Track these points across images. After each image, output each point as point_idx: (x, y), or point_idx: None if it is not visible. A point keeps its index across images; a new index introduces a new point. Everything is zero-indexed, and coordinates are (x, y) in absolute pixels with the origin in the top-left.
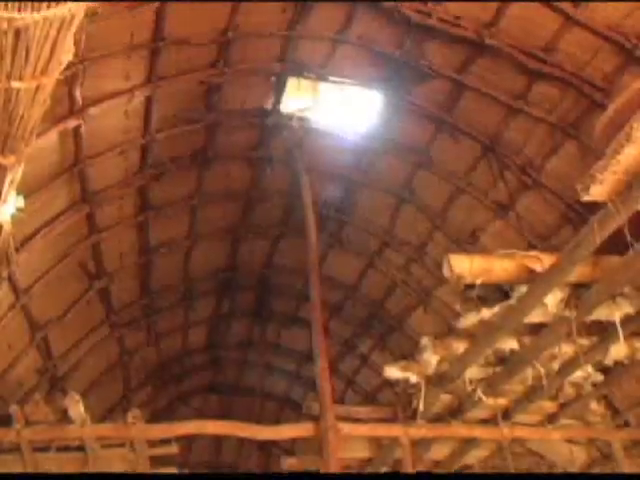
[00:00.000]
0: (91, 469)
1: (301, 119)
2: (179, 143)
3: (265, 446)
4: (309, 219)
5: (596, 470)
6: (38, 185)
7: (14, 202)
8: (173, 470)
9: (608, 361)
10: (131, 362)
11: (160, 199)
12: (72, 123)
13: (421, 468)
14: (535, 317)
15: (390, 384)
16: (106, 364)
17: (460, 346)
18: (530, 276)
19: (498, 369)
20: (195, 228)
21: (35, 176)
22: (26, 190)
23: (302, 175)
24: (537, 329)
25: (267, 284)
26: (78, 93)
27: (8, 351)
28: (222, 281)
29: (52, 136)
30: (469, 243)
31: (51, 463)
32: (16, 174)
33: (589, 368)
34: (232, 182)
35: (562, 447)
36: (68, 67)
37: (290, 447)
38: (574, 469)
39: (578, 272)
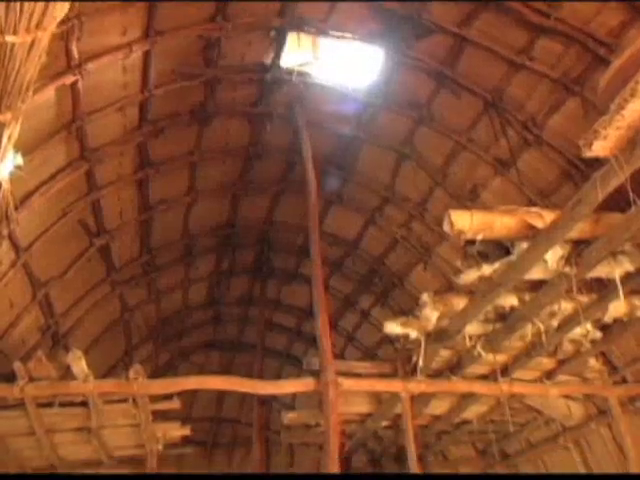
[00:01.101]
0: (94, 424)
1: (301, 74)
2: (178, 99)
3: (266, 401)
4: (309, 175)
5: (592, 426)
6: (36, 143)
7: (12, 160)
8: (176, 425)
9: (607, 318)
10: (132, 319)
11: (159, 156)
12: (69, 79)
13: (420, 423)
14: (535, 274)
15: (390, 340)
16: (107, 321)
17: (460, 302)
18: (531, 232)
19: (498, 325)
20: (195, 185)
21: (33, 133)
22: (24, 148)
23: (302, 131)
24: (537, 286)
25: (267, 241)
26: (75, 48)
27: (10, 309)
28: (222, 238)
29: (49, 92)
30: (469, 199)
31: (55, 418)
32: (13, 131)
33: (588, 325)
34: (232, 138)
35: (560, 403)
36: (64, 22)
37: (291, 402)
38: (571, 424)
39: (579, 229)
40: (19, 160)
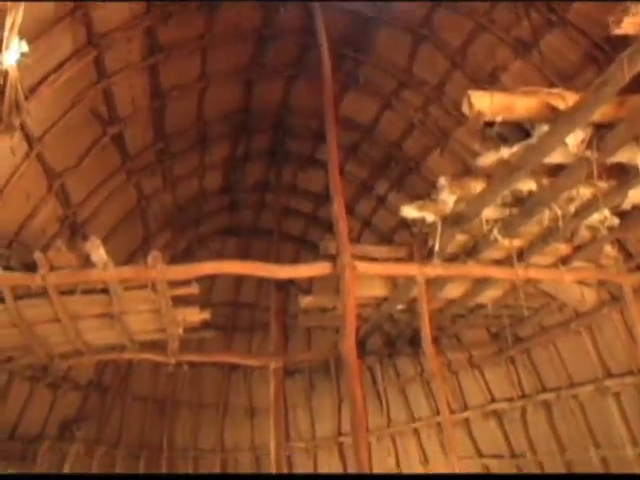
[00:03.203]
0: (116, 310)
1: None
2: None
3: (283, 286)
4: (324, 58)
5: (604, 312)
6: (41, 30)
7: (18, 47)
8: (195, 310)
9: (626, 205)
10: (149, 207)
11: (169, 41)
12: None
13: (435, 306)
14: (555, 157)
15: (406, 225)
16: (124, 210)
17: (477, 186)
18: (552, 114)
19: (515, 210)
20: (207, 70)
21: (37, 21)
22: (29, 35)
23: (317, 12)
24: (556, 170)
25: (282, 125)
26: None
27: (27, 200)
28: (237, 123)
29: None
30: (489, 83)
31: (77, 305)
32: (17, 17)
33: (606, 212)
34: (243, 21)
35: (573, 288)
36: None
37: (308, 287)
38: (584, 309)
39: (602, 111)
40: (24, 47)
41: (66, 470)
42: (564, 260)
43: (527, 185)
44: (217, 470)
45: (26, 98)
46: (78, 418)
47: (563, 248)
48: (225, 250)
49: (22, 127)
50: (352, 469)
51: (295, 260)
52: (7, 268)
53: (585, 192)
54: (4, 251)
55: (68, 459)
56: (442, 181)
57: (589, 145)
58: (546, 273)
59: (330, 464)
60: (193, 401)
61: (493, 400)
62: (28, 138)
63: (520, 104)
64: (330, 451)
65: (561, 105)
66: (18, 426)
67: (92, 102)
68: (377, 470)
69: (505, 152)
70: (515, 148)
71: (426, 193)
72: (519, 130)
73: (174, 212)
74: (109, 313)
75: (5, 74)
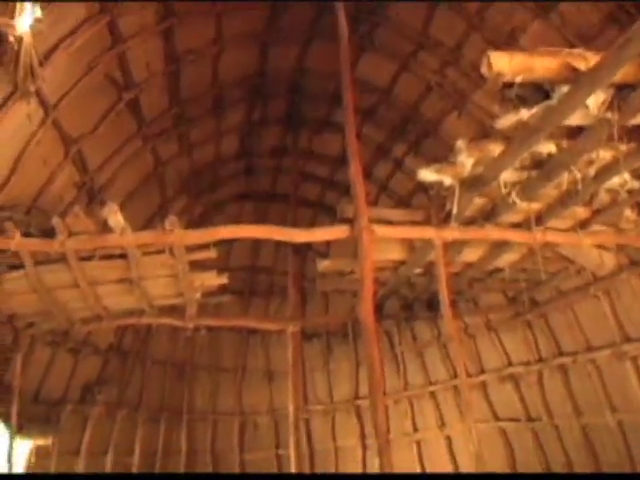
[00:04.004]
0: (134, 275)
1: None
2: None
3: (301, 250)
4: (340, 20)
5: (623, 276)
6: None
7: (31, 12)
8: (212, 274)
9: None
10: (165, 173)
11: (183, 5)
12: None
13: (453, 270)
14: (575, 119)
15: (424, 188)
16: (141, 176)
17: (496, 149)
18: (573, 75)
19: (534, 173)
20: (222, 34)
21: None
22: (42, 1)
23: None
24: (576, 132)
25: (298, 89)
26: None
27: (45, 167)
28: (252, 88)
29: None
30: (507, 45)
31: (96, 271)
32: None
33: (626, 175)
34: None
35: (592, 252)
36: None
37: (325, 251)
38: (602, 273)
39: (624, 72)
40: (38, 12)
41: (88, 432)
42: (583, 224)
43: (546, 147)
44: (236, 432)
45: (40, 64)
46: (99, 382)
47: (582, 211)
48: (242, 215)
49: (37, 93)
50: (369, 432)
51: (312, 224)
52: (26, 234)
53: (605, 155)
54: (23, 217)
55: (90, 421)
56: (460, 144)
57: (610, 106)
58: (564, 237)
59: (347, 427)
60: (212, 365)
61: (510, 364)
62: (44, 104)
63: (540, 64)
64: (347, 414)
65: (582, 65)
66: (41, 390)
67: (107, 67)
68: (394, 433)
69: (524, 114)
70: (534, 110)
71: (444, 156)
72: (539, 91)
73: (190, 177)
74: (128, 278)
75: (19, 40)
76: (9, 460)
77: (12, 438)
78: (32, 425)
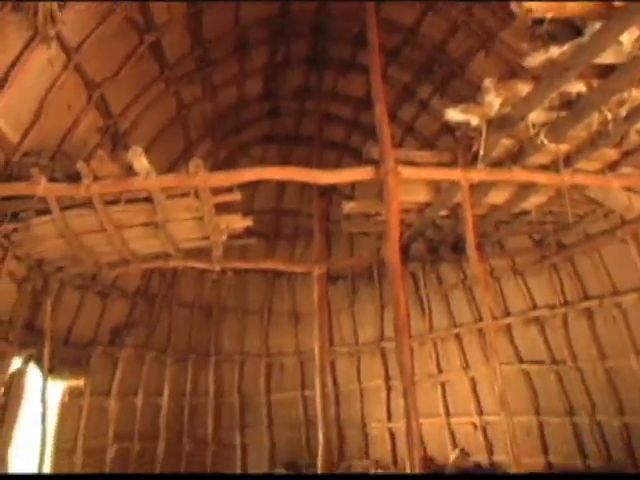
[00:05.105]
0: (160, 219)
1: None
2: None
3: (326, 192)
4: None
5: None
6: None
7: None
8: (238, 216)
9: None
10: (189, 116)
11: None
12: None
13: (479, 212)
14: (607, 57)
15: (449, 130)
16: (165, 119)
17: (524, 88)
18: (606, 11)
19: (563, 113)
20: None
21: None
22: None
23: None
24: (608, 71)
25: (322, 30)
26: None
27: (68, 112)
28: (275, 28)
29: None
30: None
31: (122, 215)
32: None
33: None
34: None
35: (621, 195)
36: None
37: (350, 193)
38: (631, 217)
39: None
40: None
41: (118, 373)
42: (612, 166)
43: (576, 87)
44: (262, 373)
45: (60, 8)
46: (127, 325)
47: (611, 153)
48: (266, 158)
49: (58, 38)
50: (394, 373)
51: (337, 167)
52: (52, 180)
53: (637, 94)
54: (48, 163)
55: (120, 363)
56: (487, 83)
57: None
58: (593, 179)
59: (372, 368)
60: (238, 307)
61: (535, 307)
62: (65, 49)
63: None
64: (372, 355)
65: (616, 1)
66: (71, 333)
67: (127, 10)
68: (419, 375)
69: (554, 52)
70: (565, 47)
71: (470, 97)
72: (569, 28)
73: (214, 120)
74: (153, 222)
75: None
76: (43, 400)
77: (45, 379)
78: (63, 367)
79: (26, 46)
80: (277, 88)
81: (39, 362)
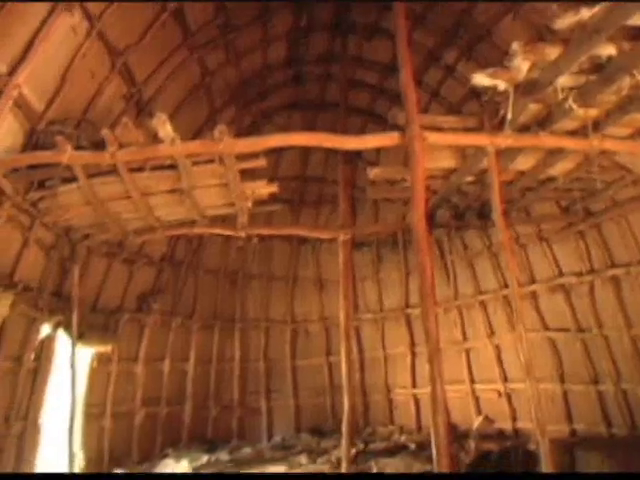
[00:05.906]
0: (185, 185)
1: None
2: None
3: (350, 159)
4: None
5: None
6: None
7: None
8: (263, 183)
9: None
10: (213, 83)
11: None
12: None
13: (505, 178)
14: (639, 19)
15: (476, 96)
16: (189, 86)
17: (553, 52)
18: None
19: (592, 77)
20: None
21: None
22: None
23: None
24: (639, 34)
25: None
26: None
27: (92, 79)
28: None
29: None
30: None
31: (147, 182)
32: None
33: None
34: None
35: None
36: None
37: (375, 160)
38: None
39: None
40: None
41: (145, 339)
42: None
43: (606, 50)
44: (288, 339)
45: None
46: (154, 291)
47: None
48: (291, 125)
49: (81, 5)
50: (418, 340)
51: (362, 133)
52: (77, 147)
53: None
54: (73, 131)
55: (147, 329)
56: (515, 46)
57: None
58: (622, 144)
59: (397, 335)
60: (263, 274)
61: (561, 274)
62: (88, 16)
63: None
64: (397, 322)
65: None
66: (99, 299)
67: None
68: (443, 341)
69: (585, 14)
70: (595, 9)
71: (497, 62)
72: None
73: (238, 87)
74: (179, 188)
75: None
76: (72, 366)
77: (73, 345)
78: (92, 333)
79: (49, 14)
80: (301, 54)
81: (68, 328)
